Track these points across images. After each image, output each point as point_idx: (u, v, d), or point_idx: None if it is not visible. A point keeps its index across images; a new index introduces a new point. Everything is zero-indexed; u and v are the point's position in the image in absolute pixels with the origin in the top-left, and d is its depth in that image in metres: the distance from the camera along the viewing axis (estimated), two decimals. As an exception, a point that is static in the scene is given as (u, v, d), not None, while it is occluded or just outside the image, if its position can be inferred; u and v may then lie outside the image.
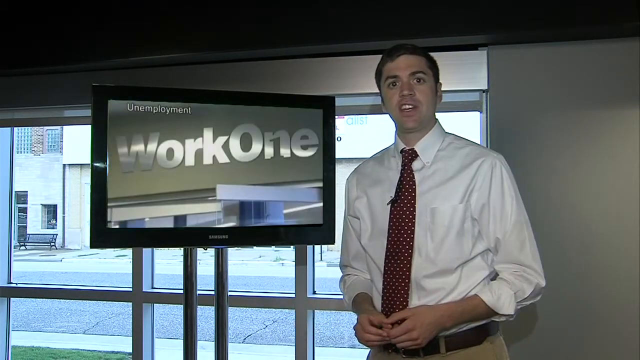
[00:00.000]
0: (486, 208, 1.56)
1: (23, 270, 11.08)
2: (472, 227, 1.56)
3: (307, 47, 2.46)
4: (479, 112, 2.48)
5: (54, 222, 21.12)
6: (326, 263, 13.00)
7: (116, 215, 1.88)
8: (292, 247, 4.94)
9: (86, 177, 18.50)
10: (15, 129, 3.23)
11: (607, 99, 2.25)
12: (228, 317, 2.09)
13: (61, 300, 8.22)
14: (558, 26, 2.21)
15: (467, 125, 2.48)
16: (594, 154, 2.25)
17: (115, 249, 11.60)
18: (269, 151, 2.02)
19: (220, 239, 1.97)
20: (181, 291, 2.08)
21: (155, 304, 2.95)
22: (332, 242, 2.06)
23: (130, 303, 2.90)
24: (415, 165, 1.63)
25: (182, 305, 2.04)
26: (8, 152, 3.22)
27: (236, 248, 2.62)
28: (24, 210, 20.43)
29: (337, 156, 2.11)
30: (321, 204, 2.05)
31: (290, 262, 9.18)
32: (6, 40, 2.74)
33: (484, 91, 2.42)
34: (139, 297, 2.86)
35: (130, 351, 2.90)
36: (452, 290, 1.55)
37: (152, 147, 1.91)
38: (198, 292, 2.05)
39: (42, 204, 21.05)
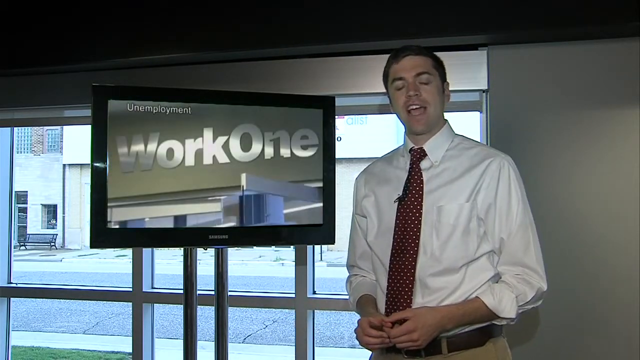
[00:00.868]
0: (492, 208, 1.56)
1: (23, 270, 11.08)
2: (478, 227, 1.56)
3: (307, 47, 2.46)
4: (479, 112, 2.48)
5: (54, 222, 21.13)
6: (326, 263, 13.03)
7: (116, 215, 1.88)
8: (292, 247, 4.94)
9: (86, 177, 18.50)
10: (15, 129, 3.23)
11: (607, 99, 2.25)
12: (228, 317, 2.09)
13: (61, 300, 8.22)
14: (558, 26, 2.21)
15: (467, 125, 2.47)
16: (594, 154, 2.25)
17: (115, 249, 11.60)
18: (269, 151, 2.02)
19: (220, 239, 1.97)
20: (181, 291, 2.08)
21: (155, 304, 2.95)
22: (332, 242, 2.06)
23: (130, 303, 2.90)
24: (424, 164, 1.63)
25: (182, 305, 2.04)
26: (8, 152, 3.22)
27: (236, 248, 2.62)
28: (24, 210, 20.43)
29: (337, 156, 2.11)
30: (321, 204, 2.05)
31: (290, 262, 9.18)
32: (6, 40, 2.74)
33: (484, 91, 2.42)
34: (139, 297, 2.86)
35: (130, 351, 2.90)
36: (456, 289, 1.54)
37: (152, 147, 1.91)
38: (198, 292, 2.05)
39: (42, 204, 21.05)
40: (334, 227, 2.06)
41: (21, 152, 20.74)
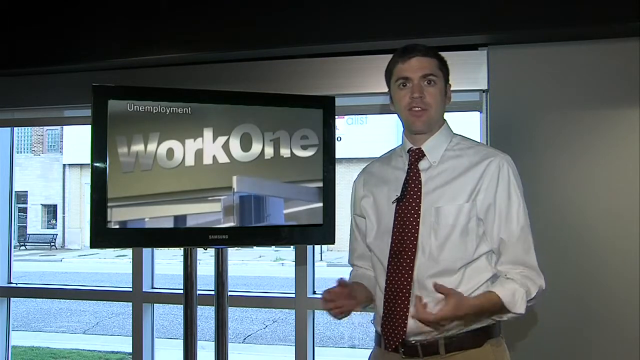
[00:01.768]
0: (492, 208, 1.56)
1: (23, 270, 11.07)
2: (477, 228, 1.56)
3: (307, 47, 2.46)
4: (479, 112, 2.48)
5: (54, 222, 21.12)
6: (326, 263, 13.02)
7: (116, 215, 1.88)
8: (292, 247, 4.94)
9: (86, 177, 18.49)
10: (15, 129, 3.24)
11: (607, 99, 2.25)
12: (228, 317, 2.09)
13: (61, 300, 8.20)
14: (558, 26, 2.21)
15: (467, 125, 2.47)
16: (594, 154, 2.25)
17: (115, 249, 11.60)
18: (269, 151, 2.02)
19: (220, 239, 1.97)
20: (181, 291, 2.09)
21: (155, 304, 2.95)
22: (332, 242, 2.06)
23: (130, 303, 2.90)
24: (422, 164, 1.63)
25: (182, 305, 2.04)
26: (8, 152, 3.22)
27: (236, 248, 2.62)
28: (24, 210, 20.42)
29: (337, 156, 2.11)
30: (321, 204, 2.05)
31: (290, 262, 9.17)
32: (6, 40, 2.74)
33: (484, 91, 2.42)
34: (139, 297, 2.86)
35: (130, 351, 2.90)
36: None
37: (152, 147, 1.91)
38: (198, 292, 2.05)
39: (42, 204, 21.04)
40: (334, 227, 2.06)
41: (21, 152, 20.73)
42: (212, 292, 2.09)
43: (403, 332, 1.55)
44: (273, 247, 12.68)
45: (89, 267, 14.32)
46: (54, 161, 21.06)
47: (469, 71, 2.36)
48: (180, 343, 2.13)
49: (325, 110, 2.07)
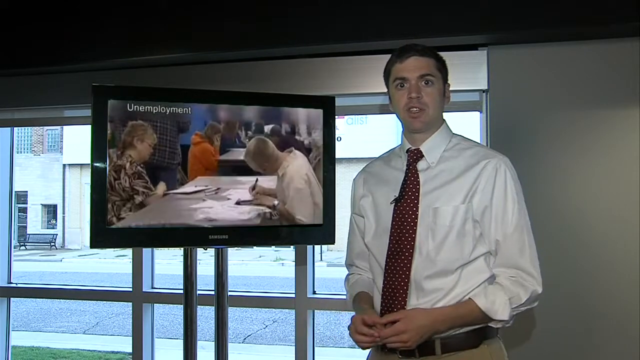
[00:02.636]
0: (488, 210, 1.56)
1: (23, 270, 11.08)
2: (474, 229, 1.56)
3: (307, 47, 2.46)
4: (479, 112, 2.48)
5: (54, 222, 21.12)
6: (326, 263, 13.03)
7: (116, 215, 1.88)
8: (292, 247, 4.93)
9: (86, 177, 18.49)
10: (15, 129, 3.24)
11: (607, 99, 2.25)
12: (228, 317, 2.09)
13: (61, 300, 8.23)
14: (558, 26, 2.21)
15: (467, 125, 2.47)
16: (594, 154, 2.25)
17: (115, 249, 11.59)
18: (269, 151, 2.01)
19: (220, 239, 1.96)
20: (181, 291, 2.08)
21: (155, 304, 2.95)
22: (332, 242, 2.05)
23: (130, 303, 2.90)
24: (421, 165, 1.63)
25: (182, 305, 2.04)
26: (8, 152, 3.22)
27: (236, 248, 2.61)
28: (24, 210, 20.42)
29: (337, 156, 2.11)
30: (321, 204, 2.05)
31: (290, 262, 9.18)
32: (6, 40, 2.74)
33: (484, 91, 2.42)
34: (139, 297, 2.86)
35: (130, 351, 2.90)
36: (450, 291, 1.54)
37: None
38: (198, 292, 2.04)
39: (42, 204, 21.04)
40: (334, 227, 2.06)
41: (21, 152, 20.73)
42: (212, 292, 2.08)
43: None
44: (273, 247, 12.68)
45: (89, 267, 14.32)
46: (54, 161, 21.06)
47: (469, 71, 2.36)
48: (180, 343, 2.13)
49: (325, 110, 2.07)
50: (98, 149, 1.86)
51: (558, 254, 2.21)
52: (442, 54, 1.67)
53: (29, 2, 2.72)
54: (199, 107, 1.96)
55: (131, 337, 2.88)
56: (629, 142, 2.22)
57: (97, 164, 1.86)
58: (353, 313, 1.69)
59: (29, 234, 20.17)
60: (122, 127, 1.87)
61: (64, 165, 20.78)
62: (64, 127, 17.28)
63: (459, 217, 1.55)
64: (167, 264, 11.18)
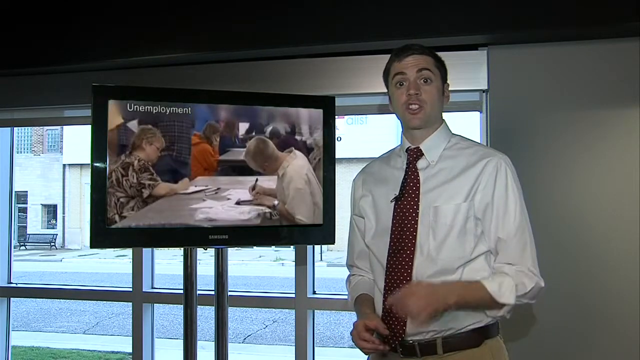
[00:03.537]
0: (489, 208, 1.56)
1: (23, 270, 11.08)
2: (475, 227, 1.56)
3: (307, 47, 2.46)
4: (479, 112, 2.48)
5: (54, 222, 21.12)
6: (326, 263, 13.03)
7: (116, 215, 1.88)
8: (292, 247, 4.94)
9: (86, 177, 18.49)
10: (15, 129, 3.23)
11: (607, 99, 2.25)
12: (228, 317, 2.09)
13: (61, 300, 8.23)
14: (558, 26, 2.21)
15: (467, 125, 2.48)
16: (594, 154, 2.25)
17: (115, 249, 11.60)
18: (269, 151, 2.02)
19: (220, 239, 1.97)
20: (181, 291, 2.08)
21: (155, 304, 2.95)
22: (332, 242, 2.06)
23: (130, 303, 2.90)
24: (420, 164, 1.63)
25: (182, 305, 2.04)
26: (8, 152, 3.22)
27: (236, 248, 2.62)
28: (24, 210, 20.42)
29: (337, 156, 2.11)
30: (321, 204, 2.05)
31: (290, 262, 9.17)
32: (6, 40, 2.74)
33: (484, 91, 2.42)
34: (139, 297, 2.86)
35: (130, 351, 2.90)
36: None
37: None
38: (198, 292, 2.05)
39: (42, 204, 21.04)
40: (334, 227, 2.06)
41: (21, 152, 20.73)
42: (212, 292, 2.09)
43: (401, 332, 1.55)
44: (273, 247, 12.68)
45: (89, 267, 14.32)
46: (54, 161, 21.07)
47: (469, 71, 2.36)
48: (180, 343, 2.13)
49: (325, 110, 2.07)
50: (98, 149, 1.86)
51: (558, 254, 2.21)
52: (442, 54, 1.67)
53: (29, 2, 2.72)
54: (199, 107, 1.96)
55: (131, 337, 2.87)
56: (629, 142, 2.22)
57: (97, 164, 1.86)
58: (353, 313, 1.69)
59: (29, 234, 20.18)
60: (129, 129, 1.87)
61: (64, 165, 20.79)
62: (64, 127, 17.28)
63: (460, 215, 1.55)
64: (167, 264, 11.18)
